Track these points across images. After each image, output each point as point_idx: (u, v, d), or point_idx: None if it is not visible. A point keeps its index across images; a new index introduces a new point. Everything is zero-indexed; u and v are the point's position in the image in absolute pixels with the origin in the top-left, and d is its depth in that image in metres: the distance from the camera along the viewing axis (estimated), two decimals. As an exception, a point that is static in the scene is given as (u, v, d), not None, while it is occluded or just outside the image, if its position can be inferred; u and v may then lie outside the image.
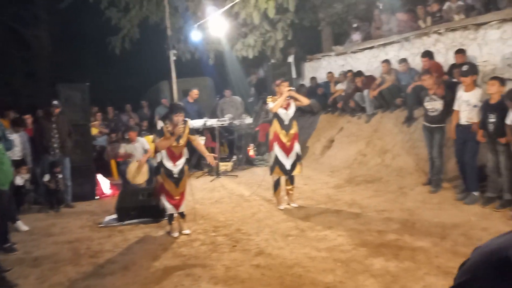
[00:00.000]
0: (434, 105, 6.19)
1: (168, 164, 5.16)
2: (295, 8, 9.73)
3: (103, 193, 8.01)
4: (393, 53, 9.31)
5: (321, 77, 11.26)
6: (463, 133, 5.69)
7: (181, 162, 5.22)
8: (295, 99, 6.10)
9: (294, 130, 6.06)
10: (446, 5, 8.42)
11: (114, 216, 6.12)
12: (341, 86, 9.99)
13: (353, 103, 9.33)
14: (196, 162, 9.50)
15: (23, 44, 16.05)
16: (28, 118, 8.03)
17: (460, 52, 6.98)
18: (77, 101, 7.85)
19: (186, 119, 5.32)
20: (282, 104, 5.96)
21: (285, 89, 5.97)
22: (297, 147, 6.08)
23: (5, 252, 4.94)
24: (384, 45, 9.60)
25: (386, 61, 8.66)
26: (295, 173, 6.12)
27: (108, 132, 10.71)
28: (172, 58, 9.97)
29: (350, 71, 9.87)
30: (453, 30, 7.87)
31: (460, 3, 8.17)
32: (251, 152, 9.90)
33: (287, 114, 6.00)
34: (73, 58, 16.02)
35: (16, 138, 6.72)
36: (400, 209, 5.66)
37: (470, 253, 1.62)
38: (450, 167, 6.56)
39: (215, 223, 5.69)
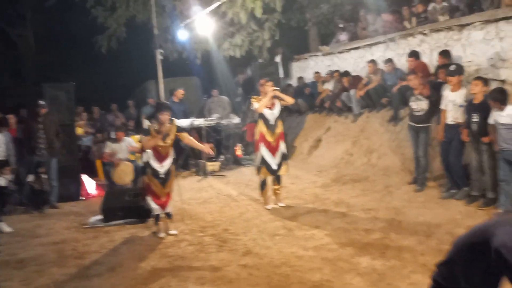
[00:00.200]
0: (420, 105, 6.26)
1: (155, 164, 5.13)
2: (282, 8, 9.76)
3: (88, 194, 7.92)
4: (379, 53, 9.39)
5: (308, 77, 11.31)
6: (449, 132, 5.76)
7: (167, 162, 5.19)
8: (280, 99, 6.11)
9: (279, 129, 6.07)
10: (430, 6, 8.53)
11: (100, 216, 6.05)
12: (328, 86, 10.05)
13: (340, 103, 9.39)
14: (183, 162, 9.47)
15: (7, 44, 15.79)
16: (11, 118, 7.90)
17: (441, 53, 7.07)
18: (62, 101, 7.76)
19: (173, 118, 5.30)
20: (267, 104, 5.97)
21: (270, 89, 5.97)
22: (282, 147, 6.10)
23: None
24: (370, 45, 9.68)
25: (372, 61, 8.74)
26: (281, 172, 6.14)
27: (93, 132, 10.60)
28: (159, 57, 9.90)
29: (337, 71, 9.93)
30: (438, 31, 7.97)
31: (445, 4, 8.28)
32: (239, 152, 9.90)
33: (272, 114, 6.01)
34: (58, 58, 15.79)
35: (-1, 138, 6.62)
36: (386, 208, 5.72)
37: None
38: (435, 166, 6.64)
39: (202, 223, 5.67)
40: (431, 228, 4.75)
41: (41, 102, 7.13)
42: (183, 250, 4.75)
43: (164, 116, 5.06)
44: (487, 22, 7.05)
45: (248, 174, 8.39)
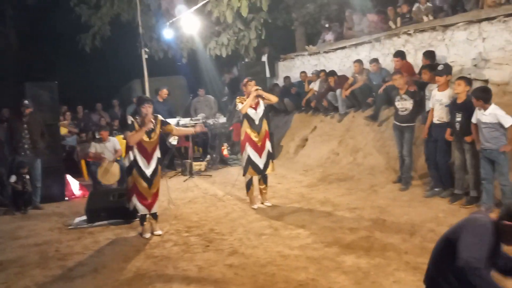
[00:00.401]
0: (405, 104, 6.32)
1: (141, 163, 5.05)
2: (268, 7, 9.76)
3: (72, 194, 7.81)
4: (365, 53, 9.46)
5: (295, 76, 11.33)
6: (435, 131, 5.81)
7: (154, 161, 5.12)
8: (263, 98, 6.10)
9: (264, 129, 6.06)
10: (415, 7, 8.61)
11: (84, 217, 5.98)
12: (314, 86, 10.08)
13: (326, 102, 9.43)
14: (168, 162, 9.40)
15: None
16: (-9, 118, 7.77)
17: (425, 54, 7.13)
18: (45, 100, 7.62)
19: (157, 114, 5.26)
20: (251, 104, 5.96)
21: (252, 88, 5.96)
22: (268, 146, 6.10)
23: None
24: (356, 45, 9.74)
25: (358, 61, 8.78)
26: (268, 171, 6.14)
27: (77, 132, 10.47)
28: (144, 56, 9.83)
29: (323, 70, 9.97)
30: (422, 31, 8.06)
31: (429, 4, 8.37)
32: (225, 152, 9.87)
33: (256, 114, 6.00)
34: (41, 56, 15.55)
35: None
36: (371, 206, 5.76)
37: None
38: (419, 165, 6.71)
39: (188, 224, 5.64)
40: (415, 227, 4.80)
41: (26, 101, 7.00)
42: (169, 250, 4.71)
43: (146, 108, 5.02)
44: (470, 22, 7.15)
45: (234, 174, 8.36)
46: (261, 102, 6.07)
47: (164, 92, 9.54)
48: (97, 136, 8.43)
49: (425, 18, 8.29)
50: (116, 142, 8.09)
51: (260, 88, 6.10)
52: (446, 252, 2.18)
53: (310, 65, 11.28)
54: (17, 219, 6.54)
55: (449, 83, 5.80)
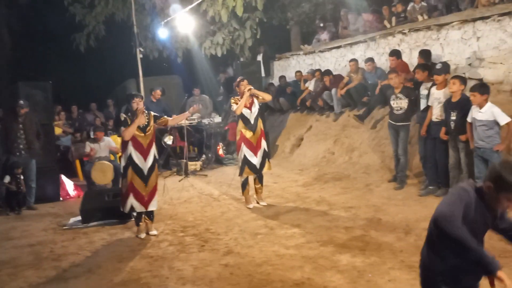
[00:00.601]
0: (400, 103, 6.34)
1: (137, 160, 5.02)
2: (263, 6, 9.75)
3: (67, 195, 7.77)
4: (360, 52, 9.47)
5: (290, 76, 11.33)
6: (434, 129, 5.81)
7: (150, 158, 5.09)
8: (257, 96, 6.09)
9: (260, 128, 6.06)
10: (410, 6, 8.64)
11: (79, 218, 5.95)
12: (309, 85, 10.08)
13: (322, 101, 9.44)
14: (164, 162, 9.38)
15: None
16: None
17: (421, 53, 7.13)
18: (39, 100, 7.57)
19: (149, 111, 5.26)
20: (245, 103, 5.95)
21: (246, 88, 5.95)
22: (264, 144, 6.09)
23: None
24: (351, 44, 9.75)
25: (354, 60, 8.79)
26: (264, 170, 6.13)
27: (72, 132, 10.42)
28: (139, 56, 9.79)
29: (318, 70, 9.97)
30: (417, 30, 8.08)
31: (423, 4, 8.40)
32: (221, 151, 9.86)
33: (251, 114, 5.99)
34: (35, 56, 15.46)
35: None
36: (367, 205, 5.76)
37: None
38: (414, 164, 6.73)
39: (183, 223, 5.62)
40: (410, 225, 4.81)
41: (21, 102, 6.96)
42: (164, 250, 4.69)
43: (136, 102, 5.04)
44: (465, 22, 7.17)
45: (230, 174, 8.35)
46: (256, 101, 6.06)
47: (157, 92, 9.52)
48: (91, 136, 8.39)
49: (420, 18, 8.31)
50: (111, 141, 8.06)
51: (252, 87, 6.07)
52: (435, 232, 2.16)
53: (306, 64, 11.29)
54: (11, 219, 6.49)
55: (447, 81, 5.81)
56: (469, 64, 7.02)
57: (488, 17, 6.80)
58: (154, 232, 5.24)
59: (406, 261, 3.87)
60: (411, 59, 7.97)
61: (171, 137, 9.15)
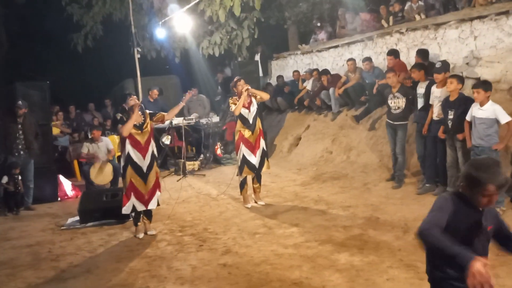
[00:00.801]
0: (397, 102, 6.35)
1: (136, 158, 5.01)
2: (261, 6, 9.74)
3: (65, 195, 7.76)
4: (357, 52, 9.48)
5: (288, 75, 11.34)
6: (434, 128, 5.81)
7: (149, 155, 5.08)
8: (255, 96, 6.10)
9: (258, 127, 6.06)
10: (407, 5, 8.65)
11: (77, 218, 5.94)
12: (307, 85, 10.09)
13: (319, 101, 9.45)
14: (162, 161, 9.36)
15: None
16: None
17: (418, 52, 7.14)
18: (36, 100, 7.55)
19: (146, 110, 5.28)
20: (244, 103, 5.95)
21: (243, 88, 5.95)
22: (262, 144, 6.10)
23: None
24: (349, 44, 9.76)
25: (352, 60, 8.79)
26: (263, 170, 6.14)
27: (70, 132, 10.40)
28: (137, 56, 9.77)
29: (316, 69, 9.98)
30: (414, 29, 8.09)
31: (421, 3, 8.41)
32: (219, 151, 9.86)
33: (250, 113, 5.99)
34: (32, 56, 15.42)
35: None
36: (365, 204, 5.77)
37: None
38: (412, 163, 6.75)
39: (182, 223, 5.62)
40: (408, 224, 4.82)
41: (20, 102, 6.95)
42: (162, 250, 4.69)
43: (133, 99, 5.06)
44: (462, 21, 7.19)
45: (228, 173, 8.36)
46: (254, 100, 6.07)
47: (155, 92, 9.52)
48: (89, 136, 8.37)
49: (417, 17, 8.33)
50: (109, 142, 8.05)
51: (249, 86, 6.07)
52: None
53: (303, 64, 11.29)
54: (9, 220, 6.49)
55: (447, 80, 5.80)
56: (467, 63, 7.03)
57: (485, 16, 6.81)
58: (152, 232, 5.24)
59: (404, 260, 3.88)
60: (409, 58, 7.99)
61: (169, 137, 9.15)
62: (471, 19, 7.03)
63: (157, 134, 8.83)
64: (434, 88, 5.84)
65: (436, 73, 5.73)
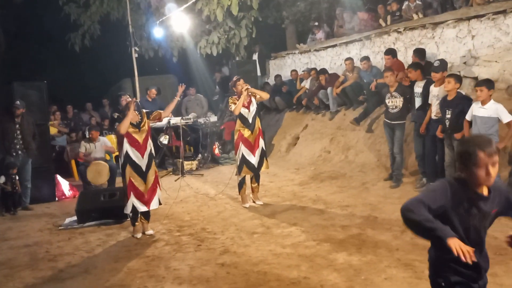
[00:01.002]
0: (395, 102, 6.35)
1: (134, 156, 5.00)
2: (258, 5, 9.75)
3: (63, 195, 7.75)
4: (355, 51, 9.48)
5: (286, 75, 11.34)
6: (433, 127, 5.82)
7: (147, 154, 5.08)
8: (255, 95, 6.10)
9: (258, 127, 6.06)
10: (405, 5, 8.65)
11: (75, 218, 5.93)
12: (305, 84, 10.10)
13: (317, 100, 9.45)
14: (160, 161, 9.35)
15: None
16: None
17: (415, 52, 7.14)
18: (34, 100, 7.53)
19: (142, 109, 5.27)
20: (243, 103, 5.95)
21: (243, 87, 5.94)
22: (262, 143, 6.10)
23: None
24: (347, 43, 9.77)
25: (350, 59, 8.80)
26: (262, 169, 6.13)
27: (67, 132, 10.38)
28: (134, 55, 9.77)
29: (314, 69, 9.98)
30: (412, 29, 8.10)
31: (418, 2, 8.41)
32: (217, 151, 9.85)
33: (249, 113, 5.99)
34: (30, 56, 15.38)
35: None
36: (363, 204, 5.78)
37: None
38: (410, 162, 6.75)
39: (180, 223, 5.61)
40: (406, 223, 4.81)
41: (18, 102, 6.94)
42: (160, 250, 4.68)
43: (124, 99, 5.09)
44: (460, 20, 7.20)
45: (226, 173, 8.36)
46: (253, 100, 6.06)
47: (153, 92, 9.51)
48: (87, 136, 8.36)
49: (415, 16, 8.33)
50: (106, 141, 8.03)
51: (249, 86, 6.07)
52: None
53: (301, 63, 11.30)
54: (7, 220, 6.47)
55: (445, 78, 5.80)
56: (464, 63, 7.04)
57: (483, 16, 6.82)
58: (150, 232, 5.23)
59: (402, 259, 3.88)
60: (407, 57, 7.99)
61: (167, 136, 9.14)
62: (469, 19, 7.04)
63: (155, 133, 8.82)
64: (432, 87, 5.85)
65: (434, 71, 5.73)
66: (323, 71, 9.45)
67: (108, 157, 7.96)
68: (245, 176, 6.13)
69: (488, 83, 4.99)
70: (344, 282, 3.57)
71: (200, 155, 9.64)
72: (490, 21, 6.73)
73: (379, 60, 8.64)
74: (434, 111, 5.79)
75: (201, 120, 9.84)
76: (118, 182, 7.28)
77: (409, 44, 8.13)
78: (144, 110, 5.30)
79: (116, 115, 5.15)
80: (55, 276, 4.19)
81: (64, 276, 4.18)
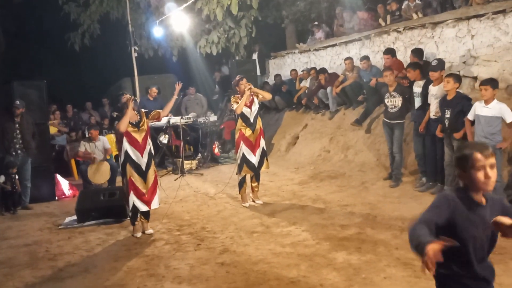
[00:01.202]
0: (394, 101, 6.36)
1: (134, 155, 5.01)
2: (258, 5, 9.75)
3: (62, 194, 7.75)
4: (355, 50, 9.49)
5: (286, 74, 11.35)
6: (433, 126, 5.82)
7: (146, 153, 5.08)
8: (257, 95, 6.10)
9: (259, 127, 6.07)
10: (404, 4, 8.66)
11: (74, 217, 5.93)
12: (304, 83, 10.10)
13: (317, 100, 9.45)
14: (159, 160, 9.36)
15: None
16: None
17: (413, 52, 7.14)
18: (33, 99, 7.54)
19: (141, 109, 5.29)
20: (246, 102, 5.95)
21: (246, 87, 5.95)
22: (262, 143, 6.11)
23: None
24: (346, 43, 9.77)
25: (349, 59, 8.80)
26: (263, 169, 6.14)
27: (67, 131, 10.38)
28: (134, 54, 9.77)
29: (313, 68, 9.99)
30: (412, 28, 8.10)
31: (418, 1, 8.42)
32: (216, 150, 9.86)
33: (251, 112, 6.00)
34: (29, 55, 15.38)
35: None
36: (362, 203, 5.78)
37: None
38: (409, 162, 6.76)
39: (179, 222, 5.62)
40: (405, 223, 4.82)
41: (17, 102, 6.94)
42: (160, 249, 4.69)
43: (125, 97, 5.08)
44: (459, 20, 7.20)
45: (225, 172, 8.37)
46: (256, 100, 6.07)
47: (154, 90, 9.51)
48: (87, 135, 8.36)
49: (414, 16, 8.34)
50: (106, 141, 8.03)
51: (252, 85, 6.08)
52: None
53: (301, 62, 11.30)
54: (6, 219, 6.47)
55: (443, 78, 5.81)
56: (464, 62, 7.05)
57: (482, 15, 6.83)
58: (150, 231, 5.23)
59: (401, 259, 3.89)
60: (406, 57, 7.98)
61: (167, 136, 9.14)
62: (468, 18, 7.05)
63: (155, 133, 8.83)
64: (430, 87, 5.86)
65: (432, 71, 5.74)
66: (323, 70, 9.46)
67: (108, 156, 7.96)
68: (245, 175, 6.14)
69: (493, 83, 4.98)
70: (343, 281, 3.58)
71: (199, 155, 9.65)
72: (490, 20, 6.74)
73: (378, 60, 8.65)
74: (433, 110, 5.80)
75: (201, 120, 9.84)
76: (119, 181, 7.29)
77: (408, 43, 8.13)
78: (143, 110, 5.31)
79: (115, 114, 5.15)
80: (55, 275, 4.20)
81: (64, 275, 4.18)
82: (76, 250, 4.87)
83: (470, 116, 5.15)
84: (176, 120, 9.16)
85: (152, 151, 5.29)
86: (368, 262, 3.89)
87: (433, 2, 8.49)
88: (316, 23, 11.29)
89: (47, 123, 8.00)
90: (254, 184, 6.24)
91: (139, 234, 5.16)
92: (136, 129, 5.05)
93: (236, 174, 6.21)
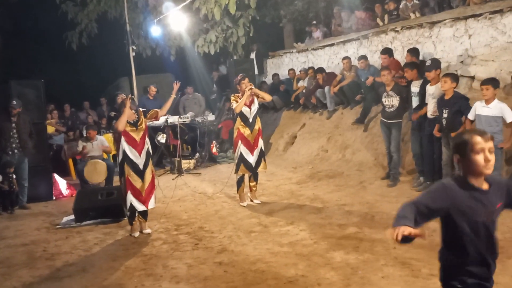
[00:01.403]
0: (391, 101, 6.37)
1: (132, 154, 5.01)
2: (256, 4, 9.75)
3: (60, 194, 7.74)
4: (353, 50, 9.50)
5: (283, 73, 11.35)
6: (430, 126, 5.83)
7: (144, 152, 5.08)
8: (257, 96, 6.11)
9: (257, 127, 6.07)
10: (402, 4, 8.68)
11: (72, 216, 5.92)
12: (302, 83, 10.11)
13: (315, 99, 9.46)
14: (157, 160, 9.35)
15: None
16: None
17: (410, 51, 7.14)
18: (31, 99, 7.52)
19: (139, 108, 5.29)
20: (246, 102, 5.96)
21: (247, 87, 5.96)
22: (261, 143, 6.11)
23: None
24: (344, 42, 9.78)
25: (347, 58, 8.81)
26: (260, 169, 6.14)
27: (65, 131, 10.36)
28: (132, 54, 9.76)
29: (311, 68, 10.00)
30: (409, 28, 8.11)
31: (416, 1, 8.43)
32: (214, 149, 9.86)
33: (250, 112, 6.00)
34: (27, 54, 15.35)
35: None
36: (360, 202, 5.79)
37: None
38: (407, 161, 6.77)
39: (177, 222, 5.62)
40: (403, 222, 4.83)
41: (14, 101, 6.92)
42: (158, 249, 4.69)
43: (120, 97, 5.11)
44: (457, 19, 7.22)
45: (223, 172, 8.37)
46: (256, 100, 6.08)
47: (152, 89, 9.51)
48: (84, 135, 8.35)
49: (412, 15, 8.36)
50: (104, 140, 8.02)
51: (253, 86, 6.09)
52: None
53: (299, 62, 11.30)
54: (4, 219, 6.45)
55: (439, 77, 5.82)
56: (461, 62, 7.07)
57: (479, 15, 6.85)
58: (148, 230, 5.23)
59: (399, 258, 3.90)
60: (404, 56, 7.99)
61: (165, 135, 9.13)
62: (466, 18, 7.06)
63: (153, 132, 8.82)
64: (428, 86, 5.87)
65: (427, 71, 5.76)
66: (321, 70, 9.46)
67: (105, 156, 7.96)
68: (243, 174, 6.14)
69: (494, 82, 4.99)
70: (341, 281, 3.58)
71: (197, 154, 9.65)
72: (487, 20, 6.75)
73: (376, 59, 8.66)
74: (430, 110, 5.81)
75: (199, 119, 9.84)
76: (116, 180, 7.27)
77: (406, 43, 8.15)
78: (141, 109, 5.31)
79: (113, 113, 5.15)
80: (52, 275, 4.19)
81: (61, 274, 4.18)
82: (74, 249, 4.86)
83: (470, 116, 5.15)
84: (174, 119, 9.16)
85: (150, 150, 5.29)
86: (365, 262, 3.90)
87: (430, 1, 8.51)
88: (314, 22, 11.30)
89: (44, 122, 7.98)
90: (252, 184, 6.24)
91: (137, 234, 5.16)
92: (134, 128, 5.06)
93: (234, 173, 6.21)
